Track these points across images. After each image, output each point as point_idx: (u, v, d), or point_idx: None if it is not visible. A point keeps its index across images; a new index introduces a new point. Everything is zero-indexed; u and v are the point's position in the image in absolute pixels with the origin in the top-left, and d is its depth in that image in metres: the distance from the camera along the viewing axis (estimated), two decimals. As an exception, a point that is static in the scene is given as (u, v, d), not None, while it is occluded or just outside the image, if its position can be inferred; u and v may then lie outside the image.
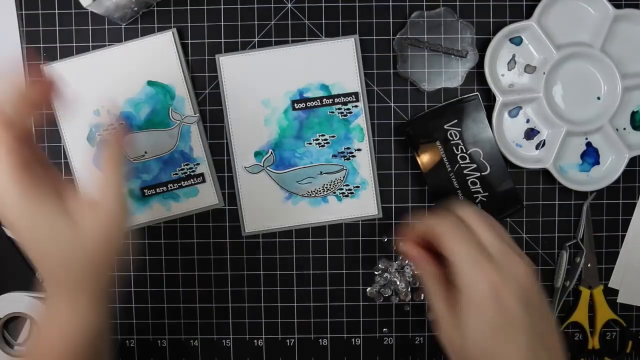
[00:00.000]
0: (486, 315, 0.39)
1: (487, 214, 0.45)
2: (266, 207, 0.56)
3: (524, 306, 0.39)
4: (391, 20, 0.56)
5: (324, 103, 0.55)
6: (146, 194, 0.56)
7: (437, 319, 0.42)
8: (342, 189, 0.56)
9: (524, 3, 0.56)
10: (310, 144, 0.56)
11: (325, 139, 0.56)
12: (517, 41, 0.55)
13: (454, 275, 0.41)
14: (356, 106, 0.55)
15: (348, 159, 0.56)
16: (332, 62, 0.55)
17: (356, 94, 0.55)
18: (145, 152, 0.56)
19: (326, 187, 0.56)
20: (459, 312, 0.40)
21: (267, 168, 0.56)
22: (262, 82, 0.55)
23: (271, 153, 0.56)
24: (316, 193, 0.56)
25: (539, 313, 0.40)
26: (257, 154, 0.56)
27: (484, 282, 0.39)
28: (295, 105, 0.55)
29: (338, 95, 0.55)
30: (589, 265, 0.57)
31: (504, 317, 0.39)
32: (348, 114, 0.55)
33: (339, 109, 0.55)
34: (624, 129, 0.56)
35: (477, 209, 0.44)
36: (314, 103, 0.55)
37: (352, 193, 0.56)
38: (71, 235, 0.40)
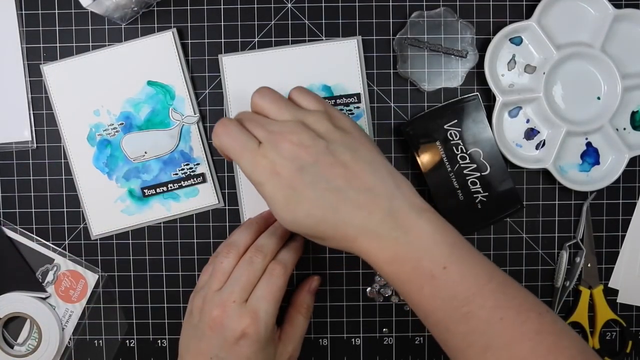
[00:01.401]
0: (276, 194, 0.43)
1: (263, 92, 0.47)
2: (267, 208, 0.56)
3: (300, 170, 0.42)
4: (391, 20, 0.56)
5: (326, 104, 0.55)
6: (146, 194, 0.56)
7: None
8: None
9: (524, 3, 0.56)
10: (311, 144, 0.56)
11: (327, 140, 0.56)
12: (517, 41, 0.55)
13: None
14: (358, 107, 0.55)
15: (349, 159, 0.56)
16: (335, 63, 0.55)
17: (358, 95, 0.55)
18: (145, 152, 0.56)
19: (327, 188, 0.56)
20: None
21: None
22: (265, 82, 0.55)
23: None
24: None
25: (322, 163, 0.42)
26: (258, 154, 0.56)
27: (258, 170, 0.43)
28: (297, 105, 0.55)
29: (340, 97, 0.55)
30: (589, 265, 0.57)
31: (288, 189, 0.42)
32: (350, 115, 0.55)
33: (341, 110, 0.55)
34: (624, 129, 0.56)
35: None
36: (315, 104, 0.55)
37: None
38: None
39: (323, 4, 0.56)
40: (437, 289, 0.41)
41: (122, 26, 0.56)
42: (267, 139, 0.43)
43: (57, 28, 0.56)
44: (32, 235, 0.57)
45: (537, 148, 0.56)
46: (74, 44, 0.56)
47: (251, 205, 0.56)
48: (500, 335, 0.40)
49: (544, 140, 0.56)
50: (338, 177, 0.42)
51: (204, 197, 0.56)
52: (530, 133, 0.56)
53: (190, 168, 0.56)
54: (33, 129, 0.56)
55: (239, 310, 0.45)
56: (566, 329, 0.42)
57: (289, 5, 0.56)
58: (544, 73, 0.54)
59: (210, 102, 0.56)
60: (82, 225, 0.57)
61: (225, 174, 0.56)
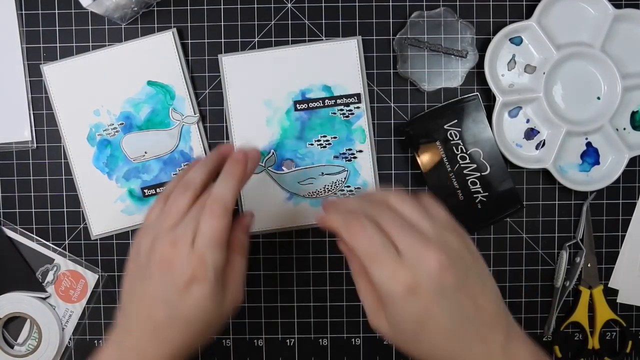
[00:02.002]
0: (404, 313, 0.39)
1: (425, 199, 0.43)
2: (267, 208, 0.56)
3: (441, 295, 0.38)
4: (391, 20, 0.56)
5: (326, 104, 0.55)
6: (146, 194, 0.56)
7: (365, 310, 0.43)
8: (343, 190, 0.56)
9: (524, 3, 0.56)
10: (312, 144, 0.56)
11: (327, 140, 0.56)
12: (517, 41, 0.55)
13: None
14: (358, 107, 0.55)
15: (349, 160, 0.56)
16: (335, 63, 0.55)
17: (358, 95, 0.55)
18: (146, 152, 0.56)
19: (327, 188, 0.56)
20: (382, 306, 0.41)
21: (269, 168, 0.56)
22: (265, 82, 0.55)
23: (273, 153, 0.56)
24: (317, 194, 0.56)
25: (460, 291, 0.39)
26: (259, 155, 0.56)
27: (395, 283, 0.38)
28: (298, 105, 0.55)
29: (340, 97, 0.55)
30: (588, 265, 0.57)
31: (422, 311, 0.38)
32: (350, 115, 0.55)
33: (341, 110, 0.55)
34: (624, 129, 0.56)
35: (408, 196, 0.43)
36: (316, 104, 0.55)
37: (353, 194, 0.56)
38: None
39: (323, 4, 0.56)
40: None
41: (122, 26, 0.56)
42: (411, 250, 0.39)
43: (57, 28, 0.56)
44: (32, 235, 0.57)
45: (537, 148, 0.56)
46: (74, 44, 0.56)
47: (250, 206, 0.56)
48: None
49: (544, 140, 0.56)
50: (470, 308, 0.39)
51: (204, 197, 0.56)
52: (530, 133, 0.56)
53: (190, 168, 0.56)
54: (33, 129, 0.56)
55: (188, 252, 0.42)
56: None
57: (289, 5, 0.56)
58: (544, 73, 0.54)
59: (210, 102, 0.56)
60: (82, 225, 0.57)
61: (225, 174, 0.56)
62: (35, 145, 0.56)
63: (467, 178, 0.55)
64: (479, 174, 0.55)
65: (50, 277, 0.57)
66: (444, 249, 0.39)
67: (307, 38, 0.56)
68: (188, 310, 0.42)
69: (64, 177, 0.57)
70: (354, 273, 0.44)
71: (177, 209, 0.44)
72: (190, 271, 0.41)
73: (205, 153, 0.56)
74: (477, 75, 0.56)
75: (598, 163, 0.56)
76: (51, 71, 0.55)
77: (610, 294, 0.58)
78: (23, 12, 0.56)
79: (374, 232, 0.39)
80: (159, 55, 0.55)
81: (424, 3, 0.56)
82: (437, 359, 0.40)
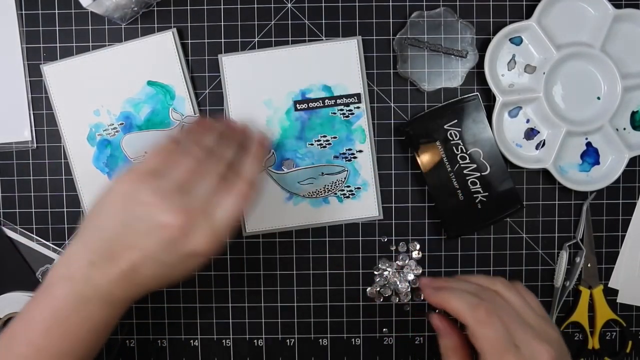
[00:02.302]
0: None
1: (520, 287, 0.45)
2: (267, 208, 0.56)
3: None
4: (391, 20, 0.56)
5: (326, 104, 0.55)
6: (146, 194, 0.56)
7: None
8: (343, 190, 0.56)
9: (524, 3, 0.56)
10: (312, 144, 0.56)
11: (327, 140, 0.56)
12: (517, 41, 0.55)
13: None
14: (358, 107, 0.55)
15: (349, 160, 0.56)
16: (335, 63, 0.55)
17: (358, 95, 0.55)
18: (146, 152, 0.56)
19: (327, 188, 0.56)
20: None
21: (269, 168, 0.56)
22: (265, 82, 0.55)
23: (273, 153, 0.56)
24: (317, 194, 0.56)
25: None
26: (259, 155, 0.56)
27: None
28: (297, 105, 0.55)
29: (340, 97, 0.55)
30: (588, 265, 0.57)
31: None
32: (350, 115, 0.55)
33: (341, 110, 0.55)
34: (624, 129, 0.56)
35: (510, 283, 0.45)
36: (316, 104, 0.55)
37: (353, 194, 0.56)
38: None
39: (323, 4, 0.56)
40: None
41: (122, 26, 0.56)
42: (527, 346, 0.40)
43: (57, 28, 0.56)
44: (32, 235, 0.57)
45: (537, 148, 0.56)
46: (74, 44, 0.56)
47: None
48: None
49: (544, 140, 0.56)
50: None
51: (204, 197, 0.56)
52: (530, 133, 0.56)
53: (190, 168, 0.56)
54: (33, 129, 0.56)
55: (205, 226, 0.40)
56: None
57: (289, 5, 0.56)
58: (544, 73, 0.54)
59: (210, 102, 0.56)
60: (82, 225, 0.57)
61: (225, 174, 0.56)
62: (35, 145, 0.56)
63: (467, 178, 0.55)
64: (479, 174, 0.55)
65: (50, 277, 0.57)
66: (551, 343, 0.41)
67: (307, 38, 0.56)
68: (178, 273, 0.41)
69: (64, 177, 0.57)
70: (447, 349, 0.44)
71: (189, 169, 0.41)
72: (204, 246, 0.39)
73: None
74: (477, 75, 0.56)
75: (598, 163, 0.56)
76: (51, 71, 0.55)
77: (610, 294, 0.58)
78: (23, 12, 0.56)
79: (500, 325, 0.40)
80: (159, 55, 0.55)
81: (424, 3, 0.56)
82: None
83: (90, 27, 0.56)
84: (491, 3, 0.56)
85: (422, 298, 0.57)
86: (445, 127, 0.54)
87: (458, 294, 0.42)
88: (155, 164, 0.41)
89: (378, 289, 0.57)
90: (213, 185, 0.41)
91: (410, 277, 0.57)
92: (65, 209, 0.57)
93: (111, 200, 0.41)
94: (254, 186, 0.42)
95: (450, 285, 0.44)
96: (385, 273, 0.57)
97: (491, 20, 0.56)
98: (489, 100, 0.56)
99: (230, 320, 0.58)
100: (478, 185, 0.55)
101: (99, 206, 0.42)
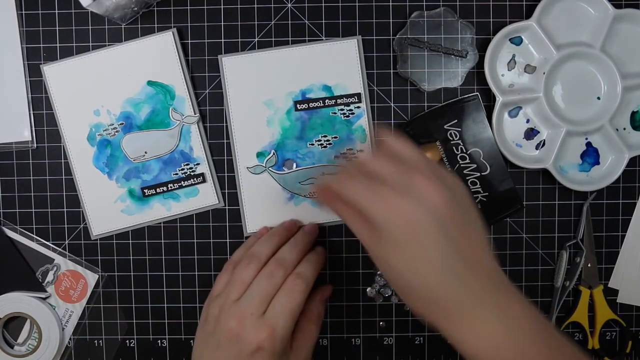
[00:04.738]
0: (395, 238, 0.39)
1: (389, 140, 0.44)
2: (268, 208, 0.56)
3: (433, 223, 0.38)
4: (391, 20, 0.56)
5: (327, 104, 0.55)
6: (146, 194, 0.56)
7: (364, 245, 0.42)
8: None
9: (524, 3, 0.56)
10: (312, 144, 0.56)
11: (328, 140, 0.56)
12: (517, 41, 0.55)
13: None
14: (359, 107, 0.55)
15: (350, 160, 0.56)
16: (335, 63, 0.55)
17: (359, 95, 0.55)
18: (146, 152, 0.56)
19: (328, 188, 0.56)
20: (380, 240, 0.40)
21: (270, 169, 0.56)
22: (265, 82, 0.55)
23: (273, 154, 0.56)
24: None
25: (452, 224, 0.39)
26: (260, 155, 0.56)
27: (388, 209, 0.38)
28: (298, 105, 0.55)
29: (340, 96, 0.55)
30: (589, 265, 0.57)
31: (412, 237, 0.38)
32: (350, 115, 0.55)
33: (342, 110, 0.55)
34: (624, 129, 0.56)
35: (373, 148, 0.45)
36: (316, 104, 0.55)
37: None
38: None
39: (323, 4, 0.56)
40: None
41: (122, 26, 0.56)
42: (403, 179, 0.39)
43: (57, 28, 0.56)
44: (32, 235, 0.57)
45: (537, 148, 0.56)
46: (74, 44, 0.56)
47: (251, 205, 0.56)
48: None
49: (544, 140, 0.56)
50: (460, 242, 0.39)
51: (204, 197, 0.56)
52: (530, 133, 0.56)
53: (190, 168, 0.56)
54: (33, 129, 0.56)
55: (256, 323, 0.45)
56: None
57: (289, 5, 0.56)
58: (544, 73, 0.54)
59: (210, 102, 0.56)
60: (82, 225, 0.57)
61: (225, 174, 0.56)
62: (35, 145, 0.56)
63: (467, 178, 0.55)
64: (479, 174, 0.55)
65: (50, 277, 0.57)
66: (446, 186, 0.39)
67: (307, 38, 0.56)
68: None
69: (64, 177, 0.57)
70: (346, 215, 0.43)
71: (243, 281, 0.48)
72: (258, 341, 0.45)
73: (205, 153, 0.56)
74: (477, 75, 0.56)
75: (598, 163, 0.56)
76: (51, 71, 0.55)
77: (610, 294, 0.58)
78: (23, 12, 0.56)
79: (364, 178, 0.40)
80: (159, 55, 0.55)
81: (424, 3, 0.56)
82: (428, 300, 0.40)
83: (90, 27, 0.56)
84: (491, 3, 0.56)
85: None
86: (445, 127, 0.54)
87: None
88: (217, 288, 0.50)
89: (378, 289, 0.57)
90: (266, 289, 0.47)
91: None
92: (65, 209, 0.57)
93: (200, 323, 0.51)
94: (308, 282, 0.48)
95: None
96: (385, 273, 0.57)
97: (491, 20, 0.56)
98: (489, 100, 0.56)
99: (230, 320, 0.58)
100: (478, 185, 0.55)
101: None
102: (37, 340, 0.57)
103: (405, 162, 0.41)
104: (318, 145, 0.56)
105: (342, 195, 0.42)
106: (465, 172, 0.54)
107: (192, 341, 0.58)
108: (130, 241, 0.57)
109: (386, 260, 0.40)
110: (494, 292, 0.40)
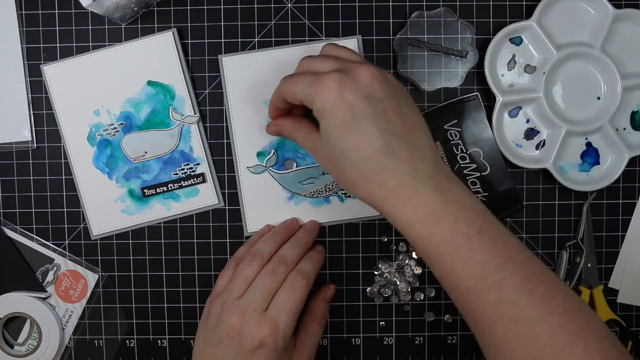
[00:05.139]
0: (335, 117, 0.41)
1: (325, 46, 0.48)
2: (268, 208, 0.56)
3: (368, 100, 0.41)
4: (391, 20, 0.56)
5: (326, 103, 0.55)
6: (146, 194, 0.56)
7: (308, 148, 0.46)
8: (344, 189, 0.56)
9: (524, 3, 0.56)
10: (312, 144, 0.56)
11: (328, 140, 0.56)
12: (517, 41, 0.55)
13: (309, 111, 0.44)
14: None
15: (350, 159, 0.56)
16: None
17: (358, 94, 0.55)
18: (145, 152, 0.56)
19: (328, 188, 0.56)
20: (322, 131, 0.43)
21: (270, 168, 0.56)
22: (265, 82, 0.55)
23: (274, 153, 0.56)
24: (318, 193, 0.56)
25: (387, 105, 0.42)
26: (260, 154, 0.56)
27: (326, 91, 0.41)
28: (298, 105, 0.55)
29: (340, 96, 0.55)
30: (589, 265, 0.57)
31: (349, 112, 0.41)
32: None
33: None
34: (624, 129, 0.56)
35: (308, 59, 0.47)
36: (316, 103, 0.55)
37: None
38: None
39: (323, 4, 0.56)
40: (472, 252, 0.40)
41: (122, 26, 0.56)
42: (340, 67, 0.43)
43: (57, 28, 0.56)
44: (32, 235, 0.57)
45: (537, 148, 0.56)
46: (74, 44, 0.56)
47: (252, 205, 0.56)
48: (530, 307, 0.39)
49: (544, 140, 0.56)
50: (398, 123, 0.41)
51: (204, 197, 0.56)
52: (530, 133, 0.56)
53: (190, 168, 0.56)
54: (33, 129, 0.56)
55: (258, 320, 0.46)
56: (592, 312, 0.41)
57: (289, 5, 0.56)
58: (544, 73, 0.54)
59: (210, 102, 0.56)
60: (82, 225, 0.57)
61: (226, 174, 0.56)
62: (35, 145, 0.56)
63: (467, 178, 0.55)
64: (479, 174, 0.55)
65: (50, 277, 0.57)
66: (371, 68, 0.42)
67: (307, 38, 0.56)
68: None
69: (64, 177, 0.57)
70: (286, 123, 0.49)
71: (245, 278, 0.48)
72: (260, 337, 0.45)
73: (205, 153, 0.56)
74: (477, 75, 0.56)
75: (598, 163, 0.56)
76: (51, 71, 0.55)
77: (611, 294, 0.58)
78: (23, 12, 0.56)
79: (305, 74, 0.44)
80: (159, 55, 0.55)
81: (424, 3, 0.56)
82: (362, 175, 0.42)
83: (90, 27, 0.56)
84: (491, 3, 0.56)
85: (422, 298, 0.57)
86: (445, 127, 0.54)
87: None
88: (220, 285, 0.51)
89: (378, 289, 0.57)
90: (268, 286, 0.47)
91: (410, 277, 0.57)
92: (65, 209, 0.57)
93: (201, 320, 0.51)
94: (309, 278, 0.49)
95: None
96: (385, 273, 0.57)
97: (491, 20, 0.56)
98: (489, 100, 0.56)
99: (230, 320, 0.58)
100: (478, 185, 0.55)
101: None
102: (37, 340, 0.57)
103: (343, 59, 0.44)
104: (318, 145, 0.56)
105: (286, 95, 0.45)
106: (465, 172, 0.54)
107: (192, 341, 0.58)
108: (130, 241, 0.57)
109: (329, 142, 0.42)
110: (435, 174, 0.41)
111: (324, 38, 0.56)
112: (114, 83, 0.55)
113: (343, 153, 0.42)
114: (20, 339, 0.57)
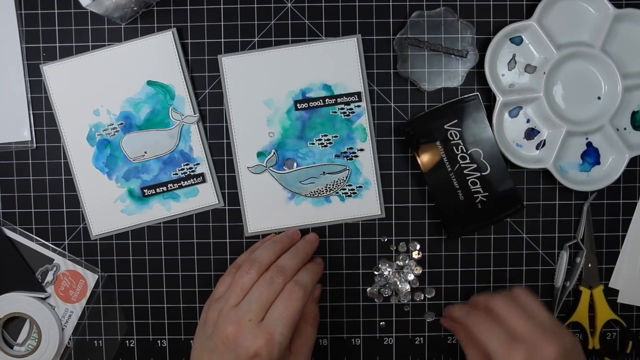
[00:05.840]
0: None
1: (521, 294, 0.49)
2: (269, 208, 0.56)
3: None
4: (391, 20, 0.56)
5: (327, 103, 0.55)
6: (146, 194, 0.56)
7: None
8: (344, 189, 0.56)
9: (524, 3, 0.56)
10: (313, 144, 0.56)
11: (328, 139, 0.56)
12: (517, 41, 0.55)
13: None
14: (359, 106, 0.55)
15: (351, 159, 0.56)
16: (335, 62, 0.55)
17: (359, 93, 0.55)
18: (145, 152, 0.56)
19: (329, 187, 0.56)
20: None
21: (270, 168, 0.56)
22: (265, 82, 0.55)
23: (274, 153, 0.56)
24: (319, 193, 0.56)
25: None
26: (260, 154, 0.56)
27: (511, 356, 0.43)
28: (298, 105, 0.55)
29: (341, 95, 0.55)
30: (589, 265, 0.57)
31: None
32: (351, 114, 0.55)
33: (342, 109, 0.55)
34: (625, 128, 0.56)
35: (509, 294, 0.49)
36: (316, 103, 0.55)
37: (355, 193, 0.56)
38: None
39: (323, 4, 0.56)
40: None
41: (122, 26, 0.56)
42: (530, 334, 0.44)
43: (57, 28, 0.56)
44: (31, 235, 0.57)
45: (537, 148, 0.56)
46: (74, 44, 0.56)
47: (252, 205, 0.56)
48: None
49: (544, 140, 0.56)
50: None
51: (204, 197, 0.56)
52: (531, 133, 0.56)
53: (190, 168, 0.56)
54: (33, 129, 0.56)
55: (254, 330, 0.45)
56: None
57: (289, 5, 0.56)
58: (544, 73, 0.54)
59: (210, 102, 0.56)
60: (82, 225, 0.57)
61: (225, 174, 0.56)
62: (35, 145, 0.56)
63: (467, 178, 0.54)
64: (479, 174, 0.55)
65: (49, 277, 0.57)
66: (562, 341, 0.44)
67: (307, 38, 0.56)
68: None
69: (63, 177, 0.57)
70: (463, 340, 0.51)
71: (243, 286, 0.48)
72: (255, 347, 0.45)
73: (205, 153, 0.56)
74: (477, 75, 0.56)
75: (598, 163, 0.56)
76: (51, 71, 0.55)
77: (611, 294, 0.58)
78: (23, 12, 0.56)
79: (499, 327, 0.46)
80: (158, 55, 0.55)
81: (424, 3, 0.56)
82: None
83: (90, 27, 0.56)
84: (491, 3, 0.56)
85: (422, 298, 0.57)
86: (445, 127, 0.54)
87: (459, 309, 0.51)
88: (219, 290, 0.50)
89: (378, 289, 0.57)
90: (265, 295, 0.47)
91: (410, 277, 0.57)
92: (65, 209, 0.57)
93: (199, 325, 0.51)
94: (307, 290, 0.48)
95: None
96: (386, 273, 0.57)
97: (491, 20, 0.56)
98: (489, 100, 0.56)
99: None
100: (478, 185, 0.55)
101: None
102: (36, 340, 0.57)
103: (530, 316, 0.46)
104: (318, 144, 0.56)
105: (473, 333, 0.47)
106: (465, 172, 0.54)
107: (191, 341, 0.58)
108: (130, 241, 0.57)
109: None
110: None
111: (323, 38, 0.56)
112: (113, 83, 0.55)
113: None
114: (20, 339, 0.57)
